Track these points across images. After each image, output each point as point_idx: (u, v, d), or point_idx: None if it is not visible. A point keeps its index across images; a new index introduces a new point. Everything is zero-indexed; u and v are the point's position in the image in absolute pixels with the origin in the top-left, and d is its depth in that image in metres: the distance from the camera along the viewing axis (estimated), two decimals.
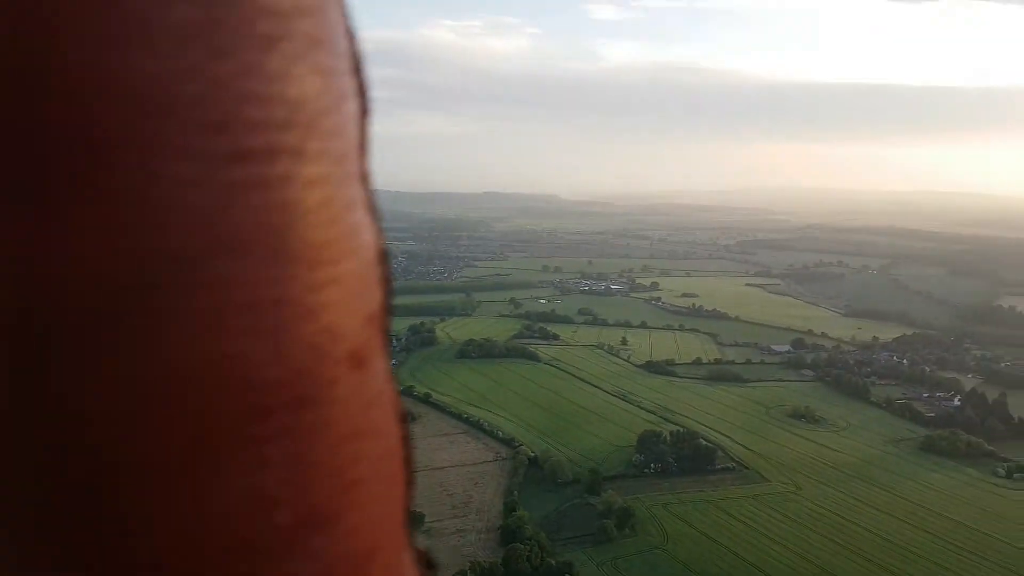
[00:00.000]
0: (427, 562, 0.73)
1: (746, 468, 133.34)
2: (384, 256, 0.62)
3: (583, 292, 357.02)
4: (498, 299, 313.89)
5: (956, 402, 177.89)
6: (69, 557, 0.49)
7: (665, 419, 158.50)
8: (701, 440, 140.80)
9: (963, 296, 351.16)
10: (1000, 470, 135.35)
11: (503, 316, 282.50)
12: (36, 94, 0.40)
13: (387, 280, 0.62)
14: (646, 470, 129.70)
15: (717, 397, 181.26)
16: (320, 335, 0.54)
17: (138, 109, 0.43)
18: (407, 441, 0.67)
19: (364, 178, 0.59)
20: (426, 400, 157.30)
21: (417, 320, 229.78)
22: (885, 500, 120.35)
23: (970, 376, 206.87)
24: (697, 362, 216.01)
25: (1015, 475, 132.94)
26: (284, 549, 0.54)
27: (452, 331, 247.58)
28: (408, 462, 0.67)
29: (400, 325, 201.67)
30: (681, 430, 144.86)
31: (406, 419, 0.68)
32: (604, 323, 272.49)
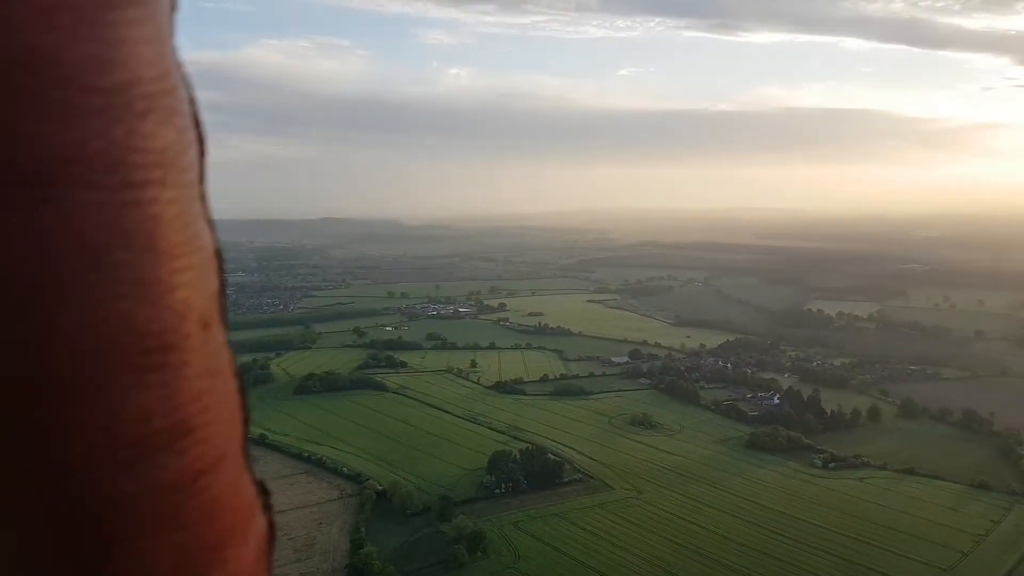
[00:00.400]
0: (263, 488, 1.26)
1: (592, 478, 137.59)
2: (219, 253, 1.04)
3: (431, 317, 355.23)
4: (341, 329, 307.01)
5: (776, 400, 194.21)
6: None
7: (515, 438, 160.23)
8: (549, 455, 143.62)
9: (777, 302, 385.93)
10: (817, 461, 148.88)
11: (347, 347, 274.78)
12: (17, 156, 0.77)
13: (222, 270, 1.04)
14: (497, 490, 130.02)
15: (563, 411, 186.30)
16: (180, 304, 0.91)
17: (66, 159, 0.79)
18: (243, 391, 1.15)
19: (203, 198, 1.00)
20: (261, 442, 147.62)
21: (249, 357, 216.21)
22: (717, 497, 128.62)
23: (787, 376, 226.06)
24: (544, 379, 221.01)
25: (830, 465, 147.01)
26: (159, 446, 0.92)
27: (289, 366, 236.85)
28: (244, 408, 1.15)
29: None
30: (530, 447, 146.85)
31: (241, 375, 1.15)
32: (453, 347, 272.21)
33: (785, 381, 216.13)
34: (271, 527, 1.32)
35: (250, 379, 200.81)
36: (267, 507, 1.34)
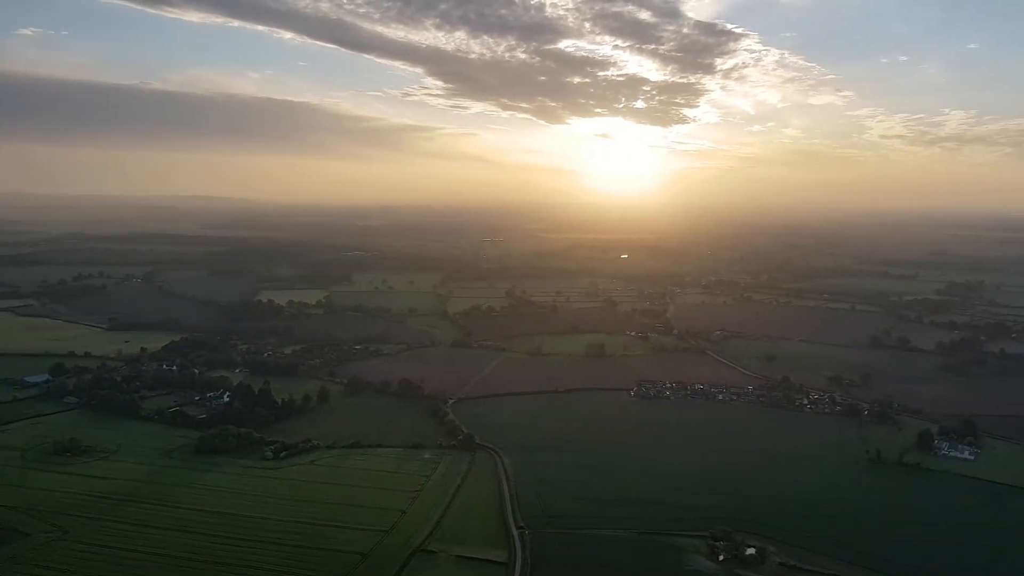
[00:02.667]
0: None
1: None
2: None
3: None
4: None
5: (226, 399, 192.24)
6: None
7: None
8: None
9: (227, 295, 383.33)
10: (268, 453, 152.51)
11: None
12: None
13: None
14: None
15: None
16: None
17: None
18: None
19: None
20: None
21: None
22: (162, 515, 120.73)
23: (238, 371, 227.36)
24: None
25: (281, 454, 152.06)
26: None
27: None
28: None
29: None
30: None
31: None
32: None
33: (236, 377, 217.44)
34: None
35: None
36: None
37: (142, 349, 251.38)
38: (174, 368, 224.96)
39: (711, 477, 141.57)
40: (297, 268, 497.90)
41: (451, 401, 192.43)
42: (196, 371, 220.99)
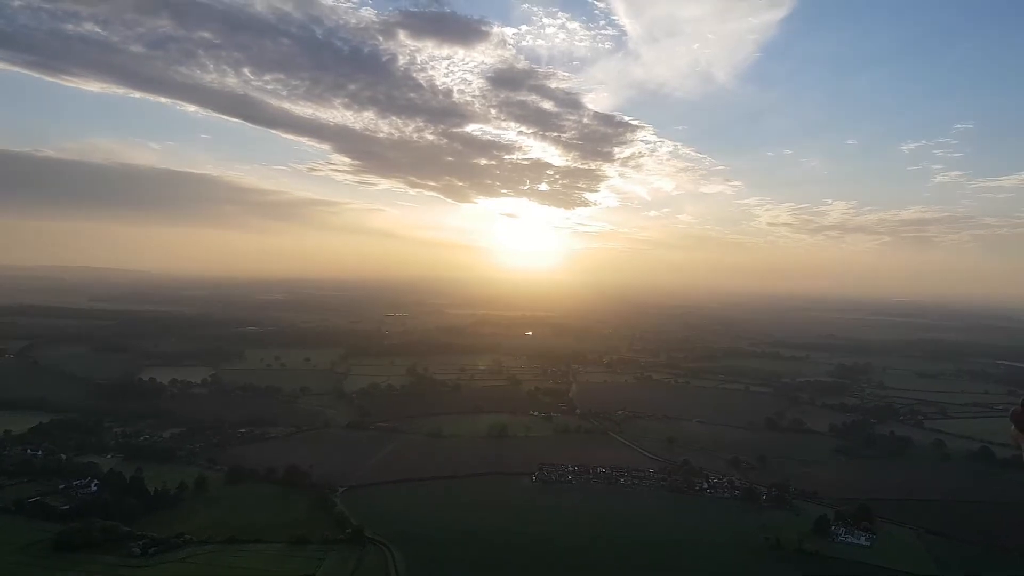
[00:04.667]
0: None
1: None
2: None
3: None
4: None
5: (94, 487, 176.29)
6: None
7: None
8: None
9: (107, 372, 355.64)
10: (136, 549, 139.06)
11: None
12: None
13: None
14: None
15: None
16: None
17: None
18: None
19: None
20: None
21: None
22: None
23: (110, 456, 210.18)
24: None
25: (150, 550, 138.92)
26: None
27: None
28: None
29: None
30: None
31: None
32: None
33: (108, 463, 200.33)
34: None
35: None
36: None
37: (6, 432, 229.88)
38: (39, 453, 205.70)
39: (613, 574, 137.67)
40: (187, 344, 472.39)
41: (341, 489, 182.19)
42: (64, 456, 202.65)
